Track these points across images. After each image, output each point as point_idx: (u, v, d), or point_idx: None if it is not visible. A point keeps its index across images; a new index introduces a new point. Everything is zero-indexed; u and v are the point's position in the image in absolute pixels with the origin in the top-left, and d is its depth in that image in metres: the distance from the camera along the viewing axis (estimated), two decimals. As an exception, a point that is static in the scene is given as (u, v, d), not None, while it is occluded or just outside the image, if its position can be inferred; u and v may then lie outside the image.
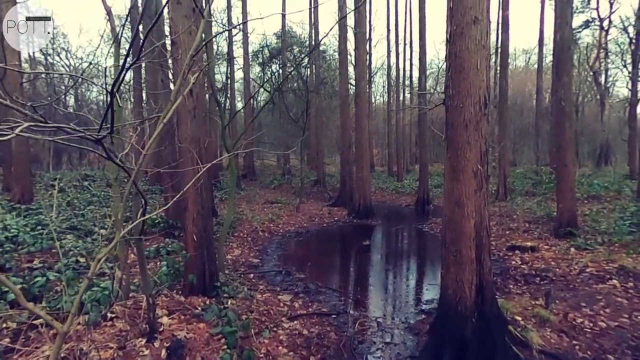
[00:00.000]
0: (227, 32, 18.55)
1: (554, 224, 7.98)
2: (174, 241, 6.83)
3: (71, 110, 23.43)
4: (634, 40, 18.62)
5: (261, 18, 2.02)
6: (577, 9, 19.74)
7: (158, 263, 5.95)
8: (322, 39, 5.64)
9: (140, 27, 9.74)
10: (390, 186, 18.12)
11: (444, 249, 3.80)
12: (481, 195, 3.64)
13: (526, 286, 5.33)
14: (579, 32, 20.70)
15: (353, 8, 12.02)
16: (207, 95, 11.71)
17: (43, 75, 25.11)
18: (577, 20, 20.29)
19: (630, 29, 19.40)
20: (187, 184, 4.21)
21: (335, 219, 11.31)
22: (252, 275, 6.01)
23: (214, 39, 13.81)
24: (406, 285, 6.05)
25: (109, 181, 13.03)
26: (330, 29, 3.65)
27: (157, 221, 7.82)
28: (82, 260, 5.42)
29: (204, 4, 4.24)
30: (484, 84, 3.50)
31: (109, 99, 1.69)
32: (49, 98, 22.32)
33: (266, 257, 7.28)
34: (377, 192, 16.71)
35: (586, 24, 20.17)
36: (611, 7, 19.31)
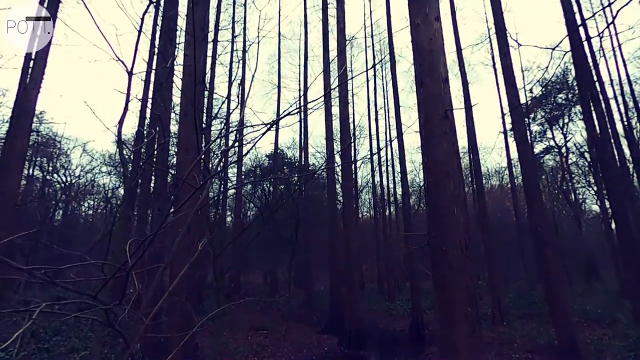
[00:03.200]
0: (222, 153, 20.10)
1: (557, 357, 7.55)
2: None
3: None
4: (591, 164, 20.70)
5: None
6: (536, 138, 22.42)
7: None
8: (313, 174, 6.15)
9: (141, 149, 10.55)
10: (382, 307, 17.32)
11: (445, 402, 3.52)
12: (474, 338, 3.58)
13: None
14: (542, 157, 23.03)
15: (340, 136, 13.44)
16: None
17: (35, 192, 25.55)
18: (539, 147, 22.77)
19: (587, 155, 21.76)
20: (174, 324, 4.05)
21: (326, 349, 10.45)
22: None
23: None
24: None
25: (82, 304, 12.17)
26: (320, 169, 4.07)
27: (130, 358, 7.10)
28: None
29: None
30: (462, 227, 3.80)
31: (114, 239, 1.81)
32: (39, 214, 22.37)
33: (248, 402, 6.47)
34: (368, 313, 15.87)
35: (546, 151, 22.61)
36: (565, 137, 21.99)
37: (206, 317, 3.10)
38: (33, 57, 9.44)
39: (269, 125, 1.57)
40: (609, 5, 4.59)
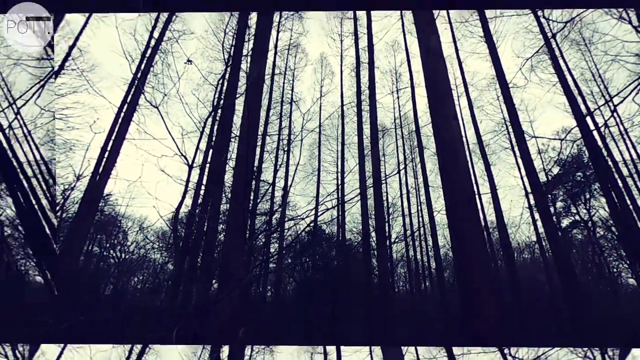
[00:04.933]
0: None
1: None
2: None
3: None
4: (618, 238, 20.98)
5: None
6: (561, 214, 23.25)
7: None
8: (350, 251, 7.34)
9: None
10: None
11: None
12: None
13: None
14: (570, 231, 23.54)
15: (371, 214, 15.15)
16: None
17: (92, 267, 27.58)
18: (566, 221, 23.42)
19: (614, 229, 22.08)
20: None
21: None
22: None
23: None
24: None
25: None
26: (356, 245, 5.32)
27: None
28: None
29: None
30: (496, 307, 4.28)
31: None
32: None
33: None
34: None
35: (573, 225, 23.22)
36: (589, 212, 22.70)
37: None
38: (108, 148, 10.31)
39: (307, 223, 2.48)
40: (611, 99, 5.52)
